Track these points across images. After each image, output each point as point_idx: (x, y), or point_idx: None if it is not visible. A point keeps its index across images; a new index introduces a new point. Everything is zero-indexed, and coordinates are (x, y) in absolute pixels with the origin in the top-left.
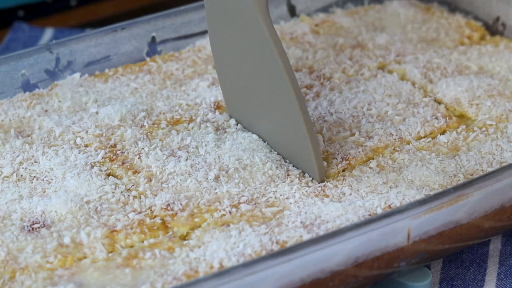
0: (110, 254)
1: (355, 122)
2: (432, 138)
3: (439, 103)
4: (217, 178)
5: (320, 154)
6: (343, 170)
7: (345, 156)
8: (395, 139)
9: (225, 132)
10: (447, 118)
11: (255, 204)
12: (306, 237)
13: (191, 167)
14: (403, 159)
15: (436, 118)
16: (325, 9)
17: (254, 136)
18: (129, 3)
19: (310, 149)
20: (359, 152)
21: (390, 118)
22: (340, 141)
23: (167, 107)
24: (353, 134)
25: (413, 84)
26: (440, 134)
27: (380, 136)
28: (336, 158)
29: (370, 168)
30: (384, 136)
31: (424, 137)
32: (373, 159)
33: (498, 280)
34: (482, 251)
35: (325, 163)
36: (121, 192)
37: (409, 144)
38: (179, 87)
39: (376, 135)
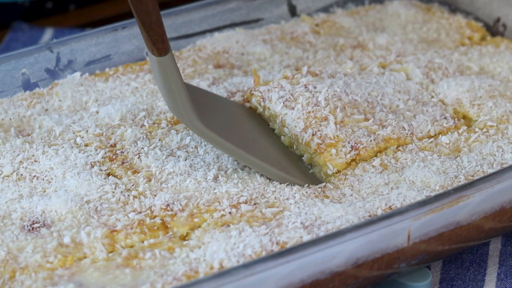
0: (110, 254)
1: (369, 107)
2: (435, 139)
3: (442, 103)
4: (216, 178)
5: (297, 174)
6: (350, 162)
7: (355, 145)
8: (407, 134)
9: None
10: (456, 119)
11: (254, 204)
12: (306, 238)
13: (190, 167)
14: (405, 159)
15: (445, 118)
16: (326, 9)
17: None
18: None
19: (290, 180)
20: (371, 141)
21: (401, 112)
22: (352, 125)
23: (167, 107)
24: (367, 119)
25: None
26: (443, 135)
27: (394, 127)
28: (346, 147)
29: (373, 166)
30: (397, 128)
31: (433, 136)
32: (376, 156)
33: (498, 280)
34: (482, 251)
35: (333, 151)
36: (121, 192)
37: (412, 144)
38: None
39: (389, 126)
